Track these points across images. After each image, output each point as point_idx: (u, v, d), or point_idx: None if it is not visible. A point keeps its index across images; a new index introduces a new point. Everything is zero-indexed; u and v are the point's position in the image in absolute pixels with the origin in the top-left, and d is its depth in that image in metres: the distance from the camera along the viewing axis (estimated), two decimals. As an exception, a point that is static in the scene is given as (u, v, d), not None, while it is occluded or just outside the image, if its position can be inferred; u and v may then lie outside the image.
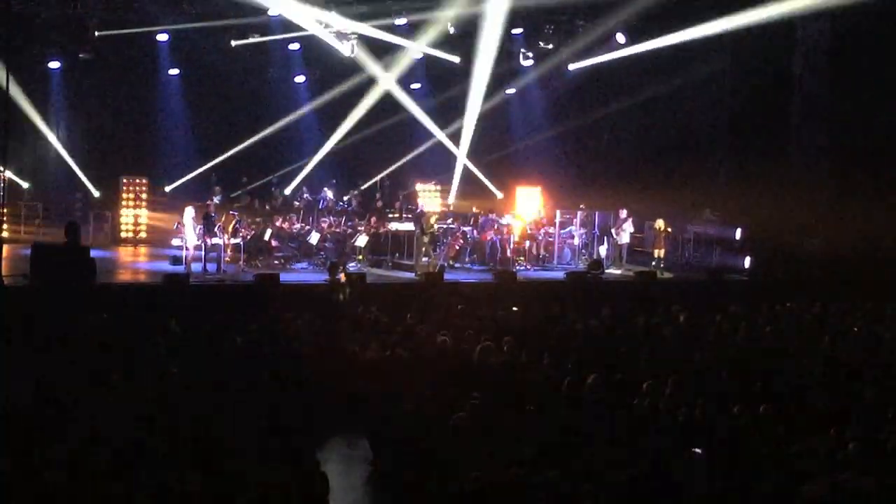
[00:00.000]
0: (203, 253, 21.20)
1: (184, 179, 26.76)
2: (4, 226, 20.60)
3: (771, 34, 24.40)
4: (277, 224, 23.79)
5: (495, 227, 24.72)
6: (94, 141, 26.38)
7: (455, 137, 27.99)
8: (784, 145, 25.48)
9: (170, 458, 8.69)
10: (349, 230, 23.98)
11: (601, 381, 11.66)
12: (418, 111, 27.96)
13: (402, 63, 26.40)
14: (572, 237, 25.49)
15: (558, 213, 25.64)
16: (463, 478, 8.36)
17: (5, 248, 19.11)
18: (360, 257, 23.29)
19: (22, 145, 24.37)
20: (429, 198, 28.81)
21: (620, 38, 26.13)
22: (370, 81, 26.77)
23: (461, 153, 27.76)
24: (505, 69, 28.49)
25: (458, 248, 24.54)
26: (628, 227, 24.92)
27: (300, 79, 28.11)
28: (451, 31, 24.90)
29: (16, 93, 22.62)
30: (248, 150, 27.31)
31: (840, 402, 11.20)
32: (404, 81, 27.74)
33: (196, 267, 21.06)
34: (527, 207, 26.38)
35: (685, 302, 19.01)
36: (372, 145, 28.25)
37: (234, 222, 22.30)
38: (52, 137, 25.86)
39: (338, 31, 24.10)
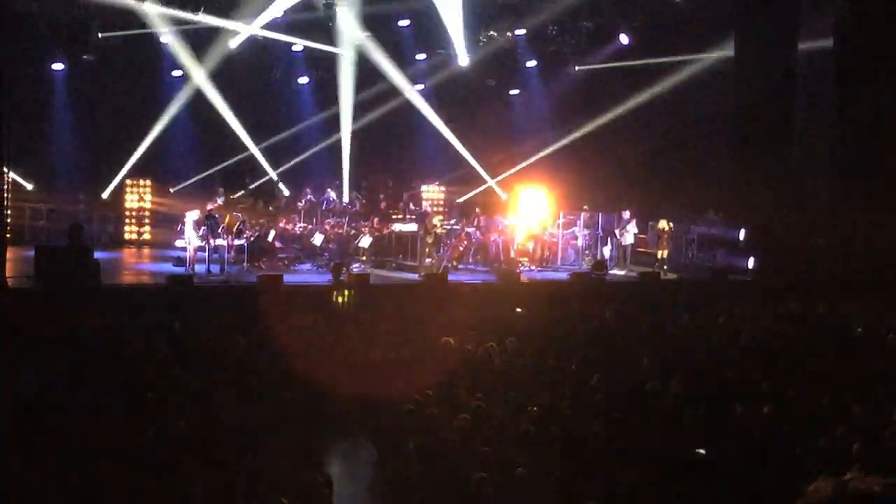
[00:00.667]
0: (207, 254, 21.22)
1: (189, 181, 26.78)
2: (8, 227, 20.61)
3: (775, 34, 24.39)
4: (281, 225, 23.82)
5: (499, 228, 24.73)
6: (98, 142, 26.39)
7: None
8: (788, 146, 25.42)
9: (173, 459, 8.69)
10: (353, 231, 23.99)
11: (605, 381, 11.66)
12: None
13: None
14: (576, 238, 25.48)
15: (562, 214, 25.63)
16: (467, 478, 8.35)
17: (9, 249, 19.12)
18: (364, 258, 23.29)
19: (25, 147, 24.36)
20: (432, 198, 28.87)
21: (624, 39, 26.14)
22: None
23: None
24: (509, 70, 28.57)
25: (461, 249, 24.54)
26: (632, 228, 24.90)
27: (303, 80, 28.14)
28: None
29: (19, 94, 22.61)
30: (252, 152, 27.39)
31: (845, 402, 11.18)
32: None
33: (200, 268, 21.09)
34: (530, 208, 26.37)
35: (689, 303, 18.99)
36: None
37: (237, 223, 22.32)
38: (55, 139, 25.89)
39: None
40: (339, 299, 19.22)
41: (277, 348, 13.83)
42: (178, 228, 22.37)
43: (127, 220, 26.33)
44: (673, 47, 26.17)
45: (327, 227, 24.07)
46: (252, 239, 22.70)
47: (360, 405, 12.06)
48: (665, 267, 24.35)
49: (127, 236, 26.28)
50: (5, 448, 8.76)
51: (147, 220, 26.51)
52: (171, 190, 26.73)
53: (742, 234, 25.25)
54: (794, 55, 24.69)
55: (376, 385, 12.17)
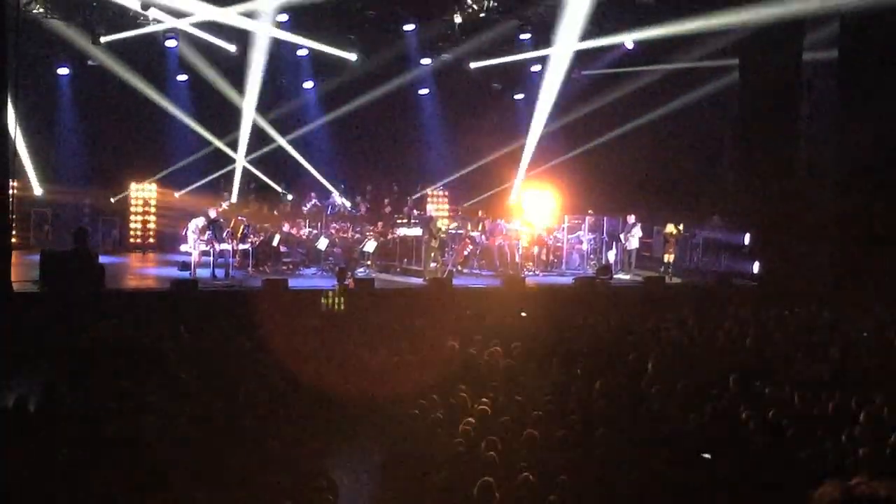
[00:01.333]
0: (212, 259, 21.24)
1: (193, 185, 26.81)
2: (13, 232, 20.65)
3: (779, 40, 24.38)
4: (286, 230, 23.84)
5: (504, 232, 24.73)
6: (103, 147, 26.42)
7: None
8: (792, 151, 25.41)
9: (176, 464, 8.68)
10: (358, 236, 24.00)
11: (610, 386, 11.64)
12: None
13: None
14: (581, 242, 25.48)
15: (567, 218, 25.64)
16: (472, 483, 8.34)
17: (14, 254, 19.16)
18: (369, 263, 23.30)
19: (31, 152, 24.44)
20: (437, 203, 28.90)
21: (628, 43, 26.14)
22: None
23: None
24: (512, 73, 28.58)
25: (466, 253, 24.54)
26: (637, 233, 24.92)
27: (308, 84, 28.17)
28: None
29: (25, 99, 22.66)
30: (257, 156, 27.42)
31: (850, 407, 11.15)
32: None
33: (204, 273, 21.10)
34: (535, 212, 26.37)
35: (694, 307, 18.97)
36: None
37: (242, 228, 22.34)
38: (61, 144, 25.94)
39: None
40: (327, 301, 19.43)
41: (282, 352, 13.83)
42: (184, 233, 22.40)
43: (132, 225, 26.36)
44: (678, 53, 26.13)
45: (332, 231, 24.09)
46: (257, 243, 22.73)
47: (365, 409, 12.04)
48: (670, 271, 24.35)
49: (132, 241, 26.31)
50: (7, 452, 8.76)
51: (152, 225, 26.55)
52: (177, 194, 26.75)
53: (747, 239, 25.24)
54: (799, 61, 24.67)
55: (381, 389, 12.15)
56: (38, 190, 25.80)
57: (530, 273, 23.92)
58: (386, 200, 26.97)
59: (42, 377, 11.32)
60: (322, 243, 23.36)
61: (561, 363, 13.13)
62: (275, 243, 23.14)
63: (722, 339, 15.87)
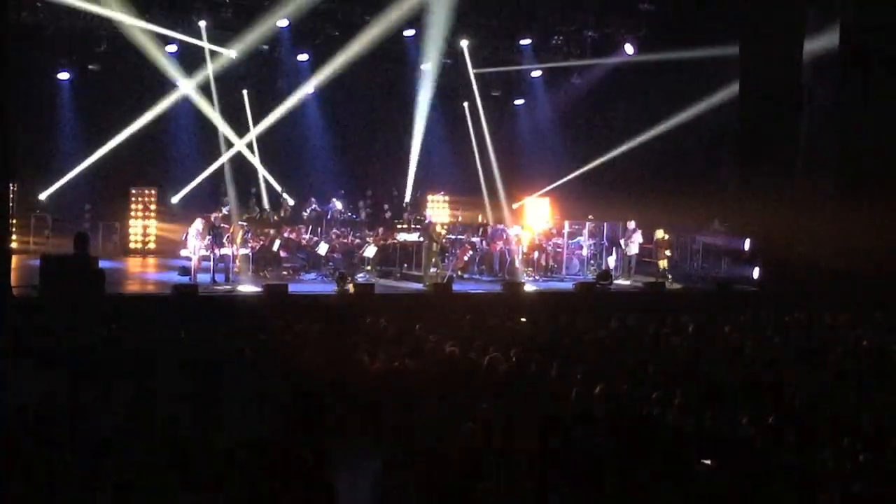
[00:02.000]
0: (212, 264, 21.24)
1: (191, 189, 26.82)
2: (14, 237, 20.65)
3: (780, 45, 24.41)
4: (286, 235, 23.83)
5: (504, 237, 24.73)
6: (104, 152, 26.41)
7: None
8: (793, 156, 25.42)
9: (175, 469, 8.68)
10: (358, 241, 24.00)
11: (609, 391, 11.63)
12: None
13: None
14: (581, 248, 25.49)
15: (567, 223, 25.65)
16: (472, 488, 8.34)
17: (14, 259, 19.18)
18: (369, 268, 23.30)
19: (31, 156, 24.41)
20: (437, 208, 28.88)
21: (629, 48, 26.18)
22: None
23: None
24: (514, 80, 28.63)
25: (466, 258, 24.55)
26: (637, 238, 24.93)
27: (308, 89, 28.18)
28: None
29: (26, 104, 22.69)
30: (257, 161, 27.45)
31: (851, 413, 11.15)
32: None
33: (205, 278, 21.10)
34: (535, 218, 26.37)
35: (694, 313, 18.97)
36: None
37: (242, 233, 22.34)
38: (61, 148, 25.95)
39: None
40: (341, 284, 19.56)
41: (282, 357, 13.83)
42: (184, 238, 22.39)
43: (132, 230, 26.37)
44: (678, 57, 26.17)
45: (332, 236, 24.08)
46: (257, 248, 22.72)
47: (364, 414, 12.04)
48: (669, 276, 24.35)
49: (132, 245, 26.31)
50: (6, 457, 8.75)
51: (152, 230, 26.56)
52: (174, 200, 26.74)
53: (747, 244, 25.25)
54: (799, 65, 24.70)
55: (380, 394, 12.15)
56: (38, 194, 25.80)
57: (530, 279, 23.92)
58: (386, 206, 26.98)
59: (42, 382, 11.32)
60: (322, 248, 23.36)
61: (561, 368, 13.12)
62: (275, 248, 23.14)
63: (722, 345, 15.87)
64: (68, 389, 11.07)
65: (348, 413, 11.86)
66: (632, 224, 24.98)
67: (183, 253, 22.67)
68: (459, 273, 23.85)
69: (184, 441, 9.44)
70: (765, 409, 11.12)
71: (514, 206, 28.06)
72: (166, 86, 26.40)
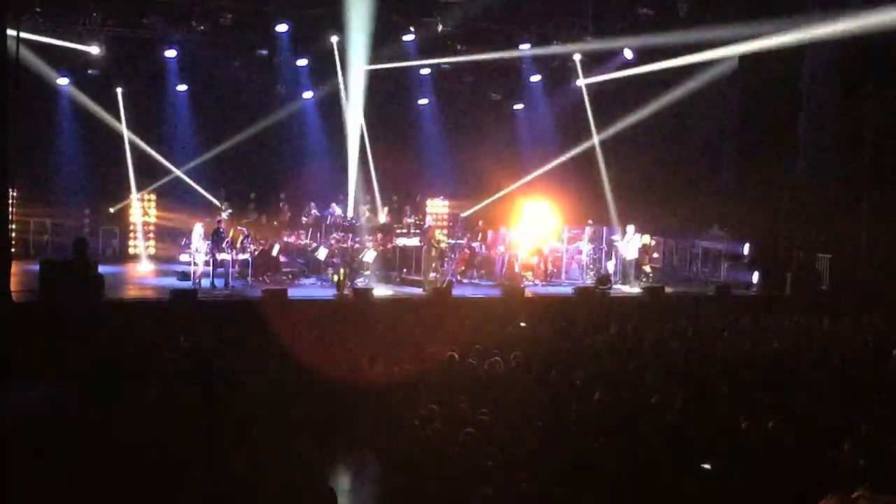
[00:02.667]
0: (211, 268, 21.24)
1: (192, 194, 26.78)
2: (13, 242, 20.63)
3: (779, 49, 24.42)
4: (285, 239, 23.83)
5: (503, 242, 24.74)
6: (103, 156, 26.38)
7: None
8: (792, 161, 25.45)
9: (176, 473, 8.68)
10: (357, 245, 24.00)
11: (609, 396, 11.63)
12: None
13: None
14: (580, 252, 25.49)
15: (566, 228, 25.65)
16: (472, 494, 8.33)
17: (14, 264, 19.15)
18: (368, 272, 23.29)
19: (31, 161, 24.40)
20: (436, 213, 28.88)
21: (628, 53, 26.20)
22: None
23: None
24: (513, 85, 28.62)
25: (465, 263, 24.56)
26: (636, 243, 24.92)
27: (308, 95, 28.17)
28: None
29: (25, 108, 22.65)
30: (256, 167, 27.41)
31: (850, 417, 11.14)
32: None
33: (204, 283, 21.10)
34: (535, 223, 26.38)
35: (693, 317, 18.97)
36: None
37: (241, 238, 22.35)
38: (60, 153, 25.93)
39: None
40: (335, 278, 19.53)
41: (281, 362, 13.82)
42: (183, 243, 22.40)
43: (131, 235, 26.37)
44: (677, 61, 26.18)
45: (332, 241, 24.08)
46: (256, 253, 22.72)
47: (364, 419, 12.04)
48: (650, 278, 24.36)
49: (131, 251, 26.32)
50: (8, 462, 8.75)
51: (152, 235, 26.56)
52: (175, 205, 26.73)
53: (746, 249, 25.26)
54: (799, 70, 24.73)
55: (380, 399, 12.15)
56: (38, 199, 25.77)
57: (530, 283, 23.91)
58: (385, 210, 26.98)
59: (42, 387, 11.32)
60: (322, 253, 23.37)
61: (560, 373, 13.11)
62: (274, 253, 23.15)
63: (721, 349, 15.87)
64: (68, 395, 11.07)
65: (349, 418, 11.87)
66: (631, 228, 24.99)
67: (183, 258, 22.69)
68: (458, 277, 23.85)
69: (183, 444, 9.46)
70: (765, 412, 11.11)
71: (514, 210, 28.01)
72: (166, 89, 26.40)
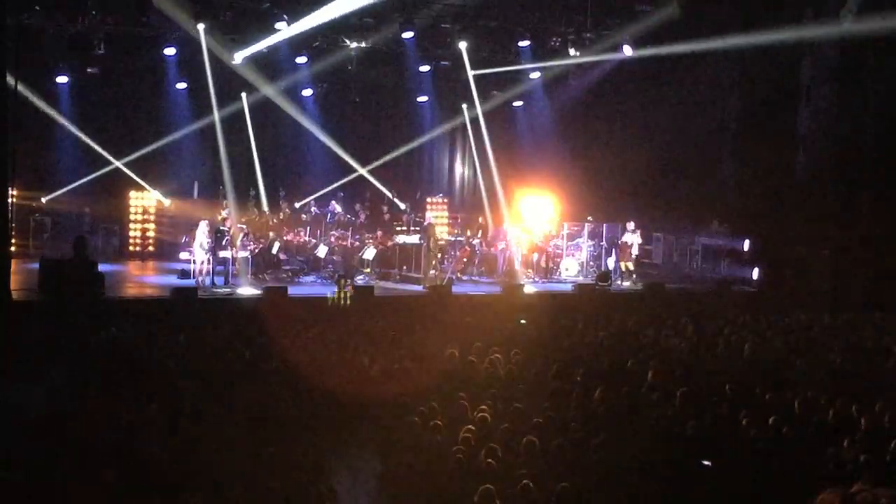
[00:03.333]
0: (211, 266, 21.23)
1: (192, 193, 26.79)
2: (13, 240, 20.63)
3: (779, 46, 24.41)
4: (285, 237, 23.82)
5: (503, 239, 24.74)
6: (103, 155, 26.35)
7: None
8: (792, 157, 25.44)
9: (176, 472, 8.68)
10: (357, 243, 24.00)
11: (609, 393, 11.63)
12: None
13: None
14: (580, 249, 25.50)
15: (566, 225, 25.65)
16: (472, 491, 8.34)
17: (14, 262, 19.16)
18: (368, 270, 23.30)
19: (31, 160, 24.39)
20: (436, 210, 28.88)
21: (627, 49, 26.16)
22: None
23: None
24: (512, 80, 28.58)
25: (465, 260, 24.56)
26: (636, 240, 24.92)
27: (307, 92, 28.15)
28: None
29: (24, 107, 22.64)
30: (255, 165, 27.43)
31: (851, 414, 11.15)
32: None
33: (204, 280, 21.10)
34: (535, 219, 26.39)
35: (693, 314, 18.97)
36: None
37: (241, 236, 22.34)
38: (60, 152, 25.92)
39: None
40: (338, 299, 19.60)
41: (281, 360, 13.82)
42: (183, 241, 22.39)
43: (131, 233, 26.37)
44: (676, 58, 26.15)
45: (332, 239, 24.08)
46: (256, 251, 22.72)
47: (365, 416, 12.04)
48: (634, 276, 24.37)
49: (131, 249, 26.31)
50: (9, 461, 8.76)
51: (151, 233, 26.55)
52: (170, 202, 26.73)
53: (746, 245, 25.26)
54: (798, 67, 24.72)
55: (380, 396, 12.15)
56: (37, 198, 25.77)
57: (530, 280, 23.92)
58: (385, 208, 26.98)
59: (42, 386, 11.32)
60: (321, 251, 23.37)
61: (560, 370, 13.12)
62: (274, 251, 23.15)
63: (721, 346, 15.87)
64: (68, 393, 11.08)
65: (348, 416, 11.87)
66: (631, 225, 24.99)
67: (182, 256, 22.68)
68: (458, 275, 23.86)
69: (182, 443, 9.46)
70: (765, 409, 11.12)
71: (514, 207, 28.02)
72: (166, 88, 26.38)
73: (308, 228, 24.82)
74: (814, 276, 24.07)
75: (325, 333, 15.70)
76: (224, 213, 23.48)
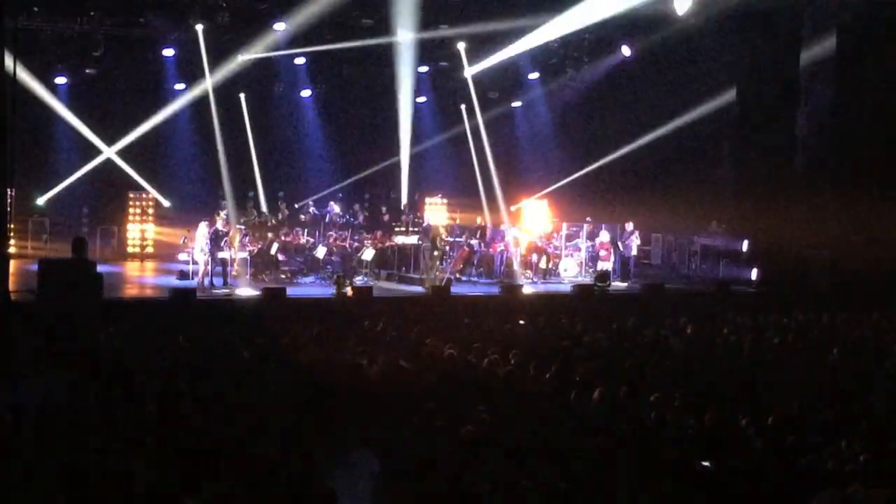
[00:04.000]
0: (210, 267, 21.23)
1: (191, 194, 26.80)
2: (11, 241, 20.63)
3: (777, 46, 24.43)
4: (284, 238, 23.82)
5: (502, 239, 24.74)
6: (101, 156, 26.36)
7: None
8: (791, 157, 25.44)
9: (174, 474, 8.67)
10: (356, 244, 24.00)
11: (608, 393, 11.63)
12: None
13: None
14: (579, 250, 25.50)
15: (565, 225, 25.65)
16: (471, 492, 8.33)
17: (13, 263, 19.15)
18: (367, 271, 23.30)
19: (29, 161, 24.40)
20: (435, 211, 28.86)
21: (626, 50, 26.19)
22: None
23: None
24: (511, 83, 28.62)
25: (464, 260, 24.55)
26: (635, 240, 24.93)
27: (306, 93, 28.17)
28: None
29: (23, 108, 22.62)
30: (254, 166, 27.45)
31: (849, 414, 11.15)
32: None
33: (203, 281, 21.09)
34: (534, 220, 26.38)
35: (692, 314, 18.96)
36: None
37: (240, 237, 22.35)
38: (58, 153, 25.93)
39: None
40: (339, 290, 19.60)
41: (280, 361, 13.82)
42: (182, 241, 22.38)
43: (130, 234, 26.38)
44: (675, 58, 26.17)
45: (330, 240, 24.08)
46: (255, 252, 22.71)
47: (363, 417, 12.03)
48: (609, 279, 24.31)
49: (130, 250, 26.31)
50: (6, 461, 8.75)
51: (150, 234, 26.56)
52: (169, 203, 26.75)
53: (745, 245, 25.26)
54: (797, 67, 24.72)
55: (379, 397, 12.14)
56: (36, 199, 25.78)
57: (529, 281, 23.91)
58: (384, 209, 26.99)
59: (41, 387, 11.31)
60: (320, 252, 23.37)
61: (560, 371, 13.12)
62: (273, 252, 23.14)
63: (720, 346, 15.87)
64: (67, 394, 11.06)
65: (347, 417, 11.87)
66: (629, 226, 24.99)
67: (181, 257, 22.68)
68: (457, 275, 23.85)
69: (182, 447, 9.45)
70: (763, 410, 11.12)
71: (513, 208, 28.03)
72: (164, 89, 26.39)
73: (307, 229, 24.82)
74: (812, 277, 24.07)
75: (323, 334, 15.70)
76: (223, 214, 23.49)
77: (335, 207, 25.87)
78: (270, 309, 18.57)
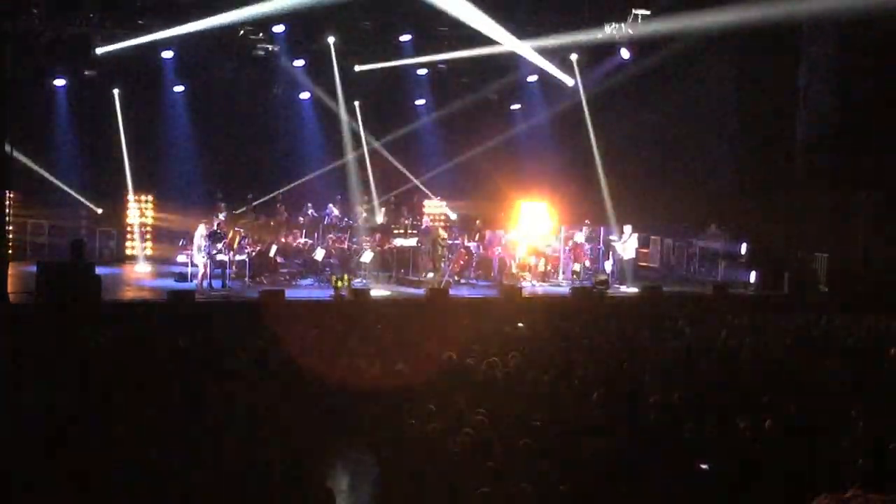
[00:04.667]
0: (209, 269, 21.23)
1: (191, 196, 26.77)
2: (10, 243, 20.62)
3: (777, 48, 24.44)
4: (282, 240, 23.81)
5: (501, 242, 24.74)
6: (100, 158, 26.34)
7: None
8: (790, 160, 25.45)
9: (175, 474, 8.67)
10: (354, 246, 24.00)
11: (607, 396, 11.62)
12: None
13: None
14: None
15: (563, 228, 25.66)
16: (470, 494, 8.33)
17: (11, 265, 19.15)
18: (366, 273, 23.29)
19: (28, 162, 24.41)
20: (434, 213, 28.85)
21: (625, 53, 26.18)
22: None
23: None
24: (510, 85, 28.60)
25: (462, 263, 24.55)
26: (633, 243, 24.93)
27: (305, 95, 28.14)
28: None
29: (21, 110, 22.63)
30: (253, 167, 27.39)
31: (848, 417, 11.14)
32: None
33: (202, 283, 21.09)
34: (532, 223, 26.38)
35: (691, 316, 18.97)
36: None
37: (238, 238, 22.35)
38: (57, 155, 25.90)
39: None
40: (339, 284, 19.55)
41: (279, 363, 13.81)
42: (181, 244, 22.38)
43: (129, 236, 26.36)
44: (674, 61, 26.16)
45: (329, 242, 24.07)
46: (253, 254, 22.71)
47: (362, 420, 12.03)
48: (582, 280, 24.31)
49: (129, 252, 26.30)
50: (6, 464, 8.75)
51: (149, 236, 26.54)
52: (171, 206, 26.71)
53: (744, 248, 25.27)
54: (796, 69, 24.75)
55: (378, 400, 12.14)
56: (35, 201, 25.75)
57: (527, 283, 23.91)
58: (382, 210, 26.98)
59: (39, 389, 11.30)
60: (319, 254, 23.37)
61: (558, 373, 13.11)
62: (272, 254, 23.14)
63: (719, 349, 15.87)
64: (66, 396, 11.06)
65: (347, 418, 11.87)
66: (628, 228, 24.99)
67: (180, 259, 22.68)
68: (456, 278, 23.85)
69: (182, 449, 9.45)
70: (762, 413, 11.12)
71: (511, 210, 28.01)
72: (163, 90, 26.37)
73: (305, 231, 24.81)
74: (811, 279, 24.08)
75: (322, 336, 15.69)
76: (221, 216, 23.48)
77: (334, 209, 25.86)
78: (269, 311, 18.56)
